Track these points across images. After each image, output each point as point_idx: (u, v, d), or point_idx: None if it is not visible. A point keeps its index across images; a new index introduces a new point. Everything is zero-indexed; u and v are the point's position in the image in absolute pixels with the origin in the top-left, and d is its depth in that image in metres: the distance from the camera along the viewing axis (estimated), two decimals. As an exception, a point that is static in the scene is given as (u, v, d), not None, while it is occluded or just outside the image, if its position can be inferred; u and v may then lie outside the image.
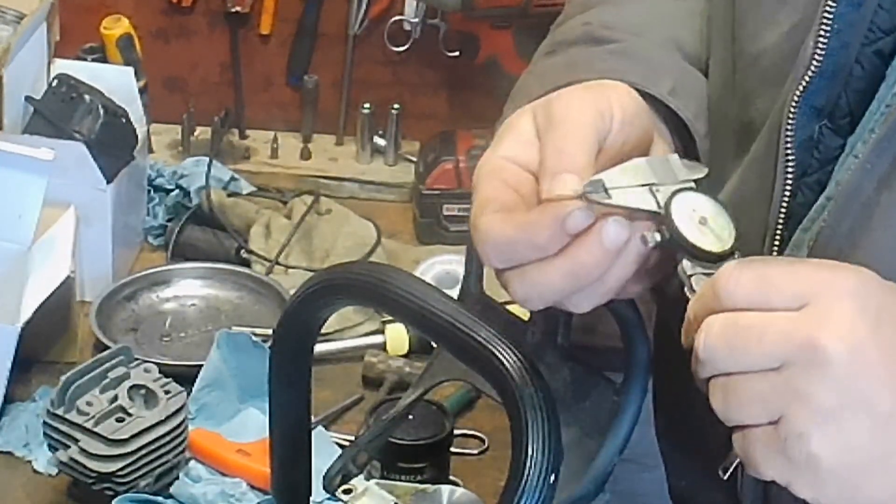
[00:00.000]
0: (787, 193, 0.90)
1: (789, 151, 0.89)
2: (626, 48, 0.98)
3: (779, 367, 0.73)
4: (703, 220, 0.79)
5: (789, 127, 0.89)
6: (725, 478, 0.79)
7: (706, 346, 0.74)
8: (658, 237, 0.78)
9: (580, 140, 0.83)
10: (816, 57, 0.87)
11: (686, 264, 0.79)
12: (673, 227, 0.78)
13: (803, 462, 0.72)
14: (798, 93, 0.88)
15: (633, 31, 1.00)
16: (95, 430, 1.37)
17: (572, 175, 0.81)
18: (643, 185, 0.80)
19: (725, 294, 0.75)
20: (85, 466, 1.37)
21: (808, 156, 0.89)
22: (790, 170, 0.89)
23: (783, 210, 0.90)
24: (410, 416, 1.38)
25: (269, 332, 1.38)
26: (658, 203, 0.79)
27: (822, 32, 0.87)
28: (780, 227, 0.90)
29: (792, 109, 0.88)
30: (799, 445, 0.72)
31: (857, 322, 0.72)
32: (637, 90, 0.93)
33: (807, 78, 0.87)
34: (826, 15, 0.86)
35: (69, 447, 1.38)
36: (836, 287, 0.74)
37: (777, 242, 0.90)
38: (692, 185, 0.81)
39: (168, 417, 1.40)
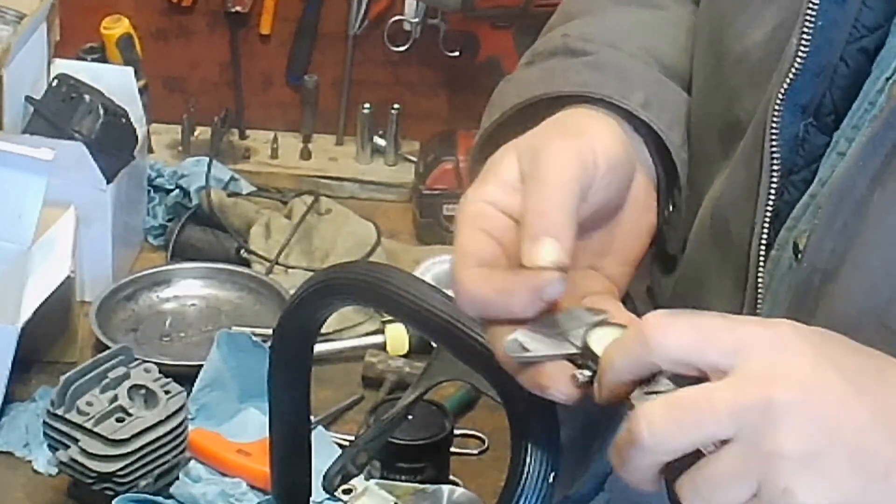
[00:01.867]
0: (773, 192, 0.90)
1: (775, 150, 0.89)
2: (600, 60, 0.98)
3: (733, 435, 0.71)
4: None
5: (774, 125, 0.88)
6: None
7: (653, 433, 0.72)
8: (588, 373, 0.78)
9: (562, 200, 0.82)
10: (800, 54, 0.87)
11: None
12: (599, 361, 0.78)
13: None
14: (783, 90, 0.88)
15: (609, 43, 1.00)
16: (95, 430, 1.38)
17: (552, 241, 0.80)
18: (556, 335, 0.80)
19: (657, 344, 0.73)
20: (85, 466, 1.37)
21: (793, 154, 0.89)
22: (776, 168, 0.89)
23: (769, 209, 0.90)
24: (410, 416, 1.38)
25: (269, 332, 1.38)
26: (575, 345, 0.79)
27: (805, 30, 0.87)
28: (766, 225, 0.90)
29: (777, 107, 0.88)
30: (786, 501, 0.71)
31: (800, 368, 0.72)
32: (610, 103, 0.94)
33: (791, 75, 0.87)
34: (810, 12, 0.86)
35: (69, 447, 1.38)
36: (772, 340, 0.73)
37: (764, 241, 0.90)
38: (601, 319, 0.81)
39: (168, 417, 1.40)
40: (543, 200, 0.82)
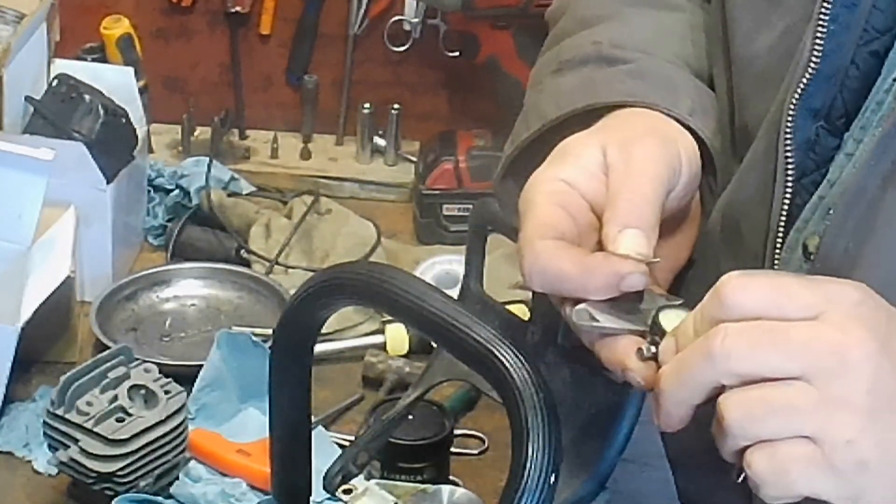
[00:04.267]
0: (788, 196, 0.90)
1: (789, 154, 0.89)
2: (642, 68, 0.98)
3: (801, 373, 0.71)
4: None
5: (788, 129, 0.89)
6: (739, 481, 0.77)
7: (725, 346, 0.72)
8: (654, 349, 0.79)
9: (653, 197, 0.83)
10: (814, 59, 0.87)
11: None
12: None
13: (852, 470, 0.71)
14: (797, 95, 0.88)
15: (643, 50, 1.00)
16: (95, 430, 1.37)
17: (640, 232, 0.81)
18: (627, 311, 0.81)
19: (734, 303, 0.73)
20: (85, 466, 1.37)
21: (805, 157, 0.89)
22: (790, 172, 0.89)
23: (784, 212, 0.90)
24: (410, 416, 1.38)
25: (269, 332, 1.38)
26: (645, 322, 0.80)
27: (818, 34, 0.87)
28: (781, 228, 0.90)
29: (791, 112, 0.88)
30: (848, 453, 0.71)
31: (873, 328, 0.72)
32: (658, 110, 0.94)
33: (805, 80, 0.88)
34: (822, 16, 0.87)
35: (69, 447, 1.38)
36: (846, 298, 0.73)
37: (779, 244, 0.90)
38: (675, 301, 0.81)
39: (168, 417, 1.40)
40: (635, 191, 0.83)
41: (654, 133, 0.88)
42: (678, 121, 0.94)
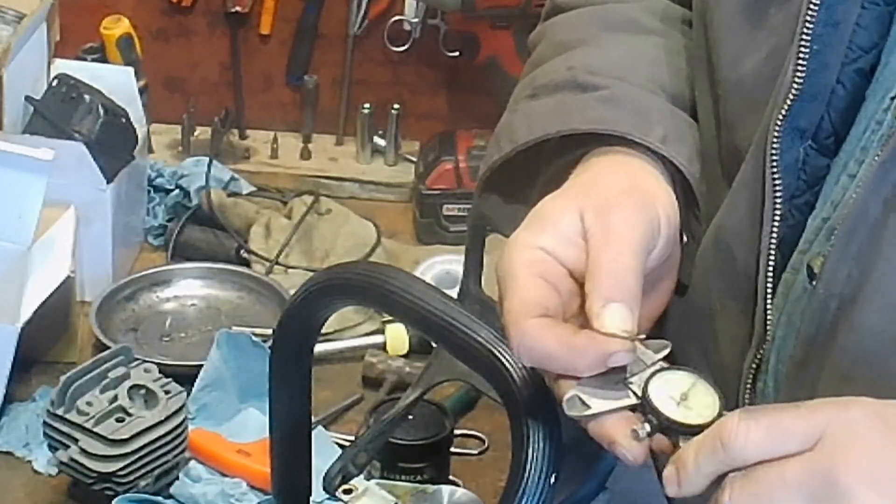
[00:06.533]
0: (778, 217, 0.89)
1: (776, 175, 0.89)
2: (615, 95, 0.97)
3: None
4: (683, 397, 0.79)
5: (774, 150, 0.88)
6: None
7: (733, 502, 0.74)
8: (648, 427, 0.79)
9: (634, 265, 0.83)
10: (797, 79, 0.87)
11: (684, 443, 0.79)
12: (660, 415, 0.78)
13: None
14: (781, 116, 0.87)
15: (618, 76, 0.99)
16: (95, 430, 1.38)
17: (625, 307, 0.80)
18: (616, 383, 0.80)
19: (737, 449, 0.74)
20: (85, 466, 1.37)
21: (794, 178, 0.89)
22: (779, 193, 0.89)
23: (775, 234, 0.89)
24: (410, 416, 1.38)
25: (269, 332, 1.38)
26: (636, 394, 0.80)
27: (801, 54, 0.86)
28: (772, 249, 0.90)
29: (776, 133, 0.88)
30: None
31: (868, 444, 0.73)
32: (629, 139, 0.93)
33: (789, 100, 0.87)
34: (804, 36, 0.86)
35: (69, 447, 1.38)
36: (841, 419, 0.74)
37: (771, 266, 0.90)
38: (661, 364, 0.81)
39: (168, 417, 1.40)
40: (616, 261, 0.82)
41: (632, 193, 0.88)
42: (651, 149, 0.94)
